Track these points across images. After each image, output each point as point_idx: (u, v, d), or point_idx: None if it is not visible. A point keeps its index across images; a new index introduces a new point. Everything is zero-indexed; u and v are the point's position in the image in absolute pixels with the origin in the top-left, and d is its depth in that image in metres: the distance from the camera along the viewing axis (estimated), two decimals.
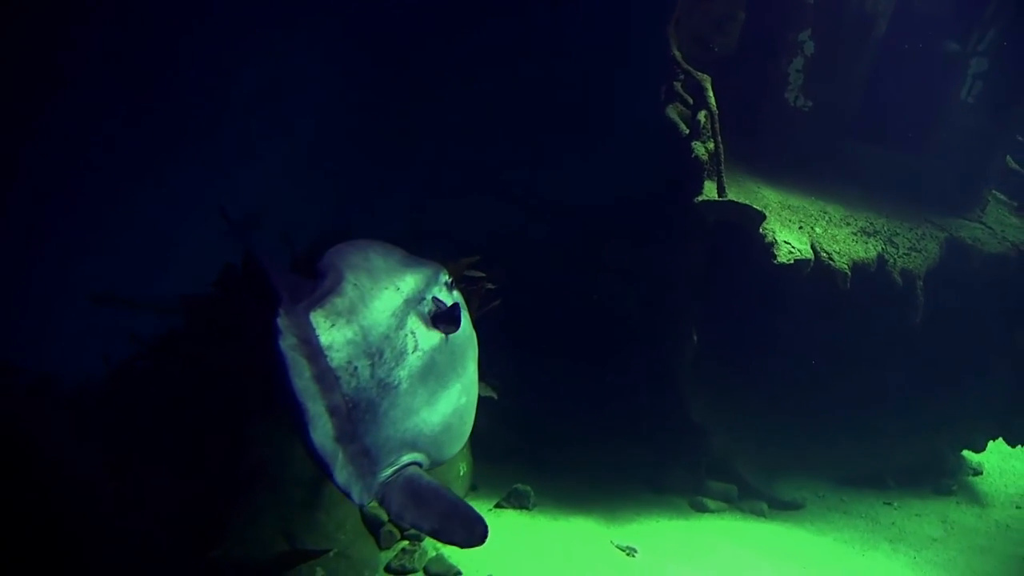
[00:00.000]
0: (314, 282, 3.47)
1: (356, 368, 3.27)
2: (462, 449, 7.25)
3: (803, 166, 8.39)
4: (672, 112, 7.34)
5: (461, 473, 7.14)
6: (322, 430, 3.08)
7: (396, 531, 6.46)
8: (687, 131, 6.95)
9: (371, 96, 10.55)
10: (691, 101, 7.11)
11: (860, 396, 8.50)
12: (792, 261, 6.74)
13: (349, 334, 3.30)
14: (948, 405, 9.02)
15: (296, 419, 3.07)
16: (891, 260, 7.55)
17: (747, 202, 6.79)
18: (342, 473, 3.12)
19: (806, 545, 7.27)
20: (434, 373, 3.59)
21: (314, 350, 3.18)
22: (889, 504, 8.46)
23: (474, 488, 7.35)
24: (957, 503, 8.63)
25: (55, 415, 6.05)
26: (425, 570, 6.09)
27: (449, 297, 3.89)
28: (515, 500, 7.29)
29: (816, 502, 8.32)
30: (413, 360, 3.49)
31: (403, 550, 6.28)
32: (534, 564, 6.28)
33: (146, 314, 6.08)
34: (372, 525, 6.39)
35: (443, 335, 3.67)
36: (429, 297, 3.75)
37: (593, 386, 8.42)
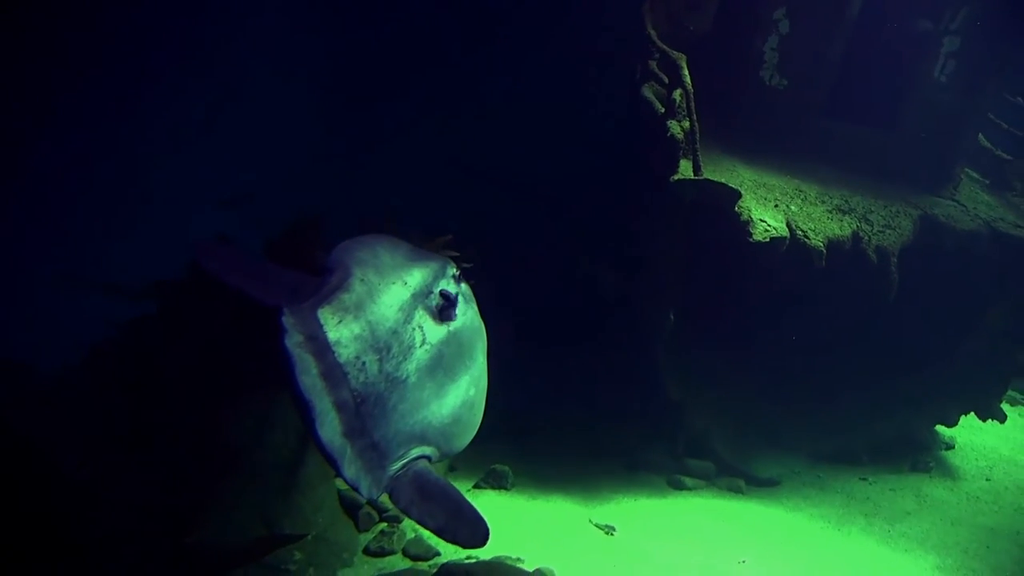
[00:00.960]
0: (320, 278, 3.49)
1: (364, 363, 3.29)
2: None
3: (779, 144, 8.40)
4: (648, 91, 7.32)
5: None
6: (329, 426, 3.09)
7: (375, 513, 6.46)
8: (663, 110, 6.94)
9: (343, 78, 10.45)
10: (666, 80, 7.09)
11: (836, 373, 8.57)
12: (768, 239, 6.76)
13: (357, 329, 3.32)
14: (921, 381, 9.13)
15: (304, 415, 3.08)
16: (866, 237, 7.59)
17: (723, 180, 6.79)
18: (350, 468, 3.14)
19: (783, 521, 7.34)
20: (442, 366, 3.61)
21: (321, 346, 3.19)
22: (864, 479, 8.56)
23: (452, 469, 7.35)
24: (930, 477, 8.76)
25: (30, 403, 5.99)
26: (404, 551, 6.10)
27: (457, 290, 3.91)
28: (494, 480, 7.30)
29: (792, 478, 8.40)
30: (421, 354, 3.52)
31: (382, 532, 6.28)
32: (513, 543, 6.30)
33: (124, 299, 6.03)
34: (350, 508, 6.38)
35: (451, 327, 3.71)
36: (436, 291, 3.77)
37: (571, 366, 8.43)
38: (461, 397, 3.66)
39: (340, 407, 3.15)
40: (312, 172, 11.80)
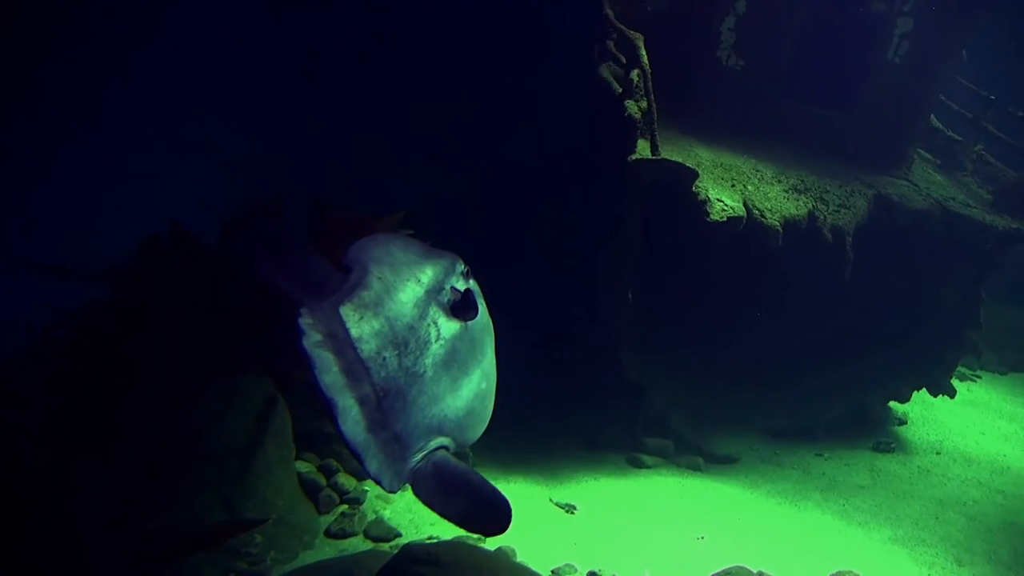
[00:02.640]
0: (340, 275, 3.56)
1: (385, 358, 3.36)
2: None
3: (736, 125, 8.48)
4: (605, 71, 7.31)
5: None
6: (352, 421, 3.16)
7: (335, 495, 6.44)
8: (620, 90, 6.94)
9: (301, 56, 10.30)
10: (624, 60, 7.08)
11: (792, 351, 8.69)
12: (725, 219, 6.81)
13: (376, 325, 3.39)
14: (875, 358, 9.31)
15: (328, 412, 3.14)
16: (821, 217, 7.69)
17: (680, 160, 6.83)
18: (374, 462, 3.19)
19: (741, 497, 7.46)
20: (456, 360, 3.69)
21: (342, 343, 3.25)
22: (820, 455, 8.73)
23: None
24: (884, 452, 8.95)
25: None
26: (365, 533, 6.09)
27: (466, 286, 3.98)
28: None
29: (750, 455, 8.53)
30: (436, 349, 3.59)
31: (343, 514, 6.26)
32: None
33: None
34: (311, 490, 6.35)
35: (463, 323, 3.78)
36: (448, 287, 3.84)
37: (529, 347, 8.44)
38: (474, 390, 3.75)
39: (362, 402, 3.22)
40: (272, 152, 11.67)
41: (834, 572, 5.32)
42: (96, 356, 5.76)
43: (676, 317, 7.92)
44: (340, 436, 3.11)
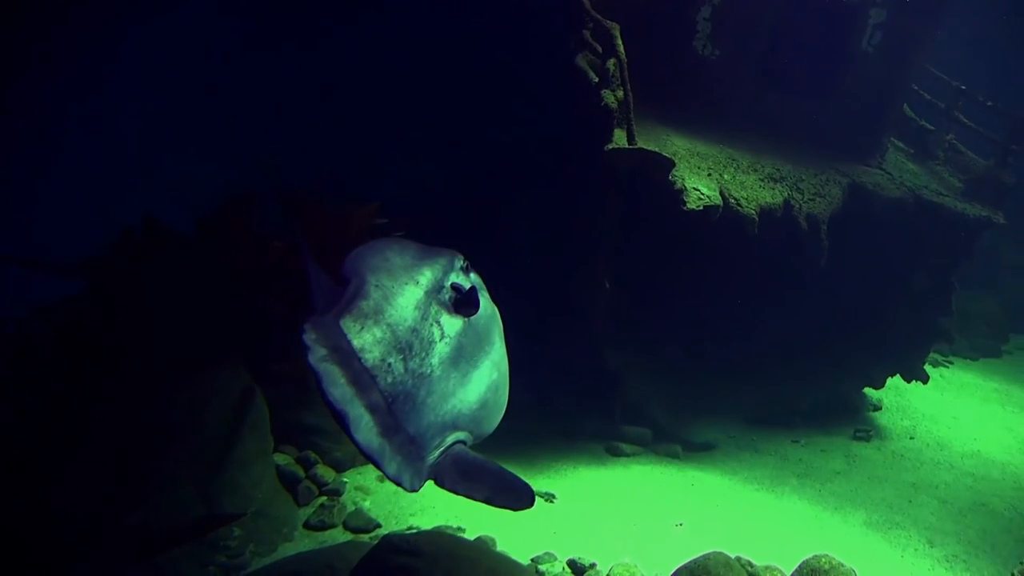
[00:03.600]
0: (342, 288, 3.64)
1: (390, 364, 3.44)
2: None
3: (712, 114, 8.50)
4: (582, 61, 7.30)
5: None
6: (364, 429, 3.22)
7: (314, 487, 6.43)
8: (596, 79, 6.94)
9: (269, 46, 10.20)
10: (600, 50, 7.08)
11: (768, 339, 8.76)
12: (702, 207, 6.84)
13: (379, 333, 3.47)
14: (850, 346, 9.41)
15: (340, 423, 3.21)
16: (797, 205, 7.75)
17: (657, 149, 6.85)
18: (391, 465, 3.25)
19: (719, 484, 7.52)
20: (464, 355, 3.75)
21: (346, 355, 3.32)
22: (797, 442, 8.82)
23: None
24: (862, 441, 9.06)
25: None
26: (345, 524, 6.08)
27: (467, 281, 4.04)
28: None
29: (728, 442, 8.61)
30: (442, 347, 3.66)
31: (321, 505, 6.26)
32: (454, 513, 6.34)
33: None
34: (289, 482, 6.33)
35: (466, 319, 3.85)
36: (448, 284, 3.91)
37: (509, 336, 8.45)
38: (485, 382, 3.81)
39: (373, 409, 3.28)
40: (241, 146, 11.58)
41: (810, 556, 5.38)
42: (71, 349, 5.71)
43: (654, 307, 7.96)
44: (355, 445, 3.18)
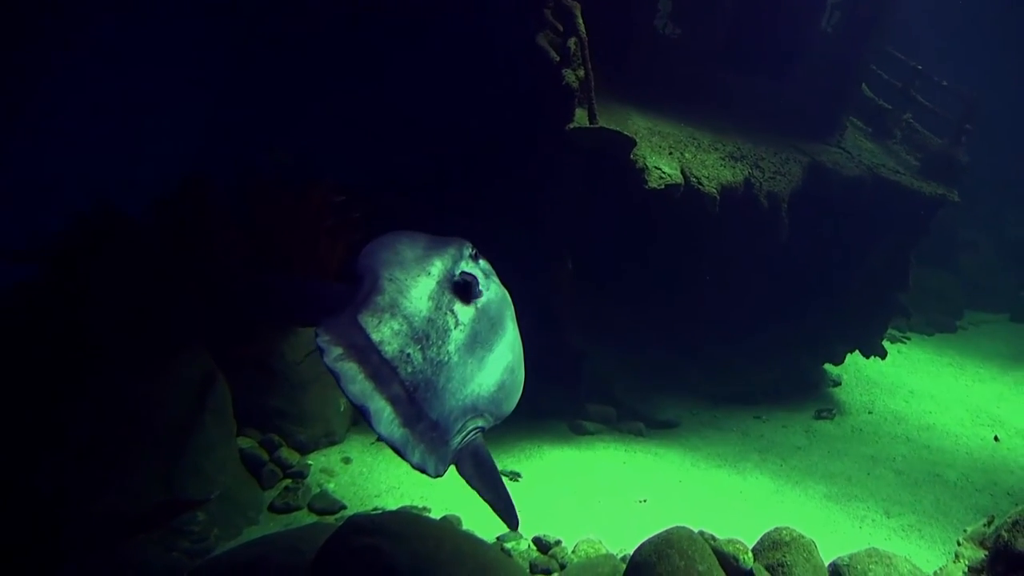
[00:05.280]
0: (354, 286, 3.77)
1: (408, 355, 3.55)
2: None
3: (673, 93, 8.52)
4: (542, 39, 7.27)
5: (342, 408, 7.09)
6: (387, 421, 3.32)
7: (278, 470, 6.40)
8: (557, 58, 6.91)
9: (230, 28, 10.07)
10: (561, 28, 7.05)
11: (729, 317, 8.85)
12: (663, 186, 6.88)
13: (396, 326, 3.59)
14: (810, 322, 9.55)
15: (363, 417, 3.32)
16: (757, 184, 7.81)
17: (618, 129, 6.86)
18: (415, 453, 3.36)
19: (682, 460, 7.61)
20: (479, 341, 3.88)
21: (364, 350, 3.44)
22: (759, 418, 8.96)
23: (356, 423, 7.33)
24: (824, 420, 9.21)
25: None
26: (310, 506, 6.07)
27: (476, 268, 4.16)
28: None
29: (691, 419, 8.72)
30: (457, 335, 3.79)
31: (286, 488, 6.23)
32: (420, 494, 6.35)
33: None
34: (254, 466, 6.30)
35: (477, 305, 3.97)
36: (458, 273, 4.03)
37: None
38: (501, 364, 3.94)
39: (394, 401, 3.39)
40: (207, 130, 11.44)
41: (771, 529, 5.47)
42: (28, 336, 5.62)
43: (615, 283, 7.99)
44: (379, 437, 3.29)
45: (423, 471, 3.39)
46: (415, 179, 7.84)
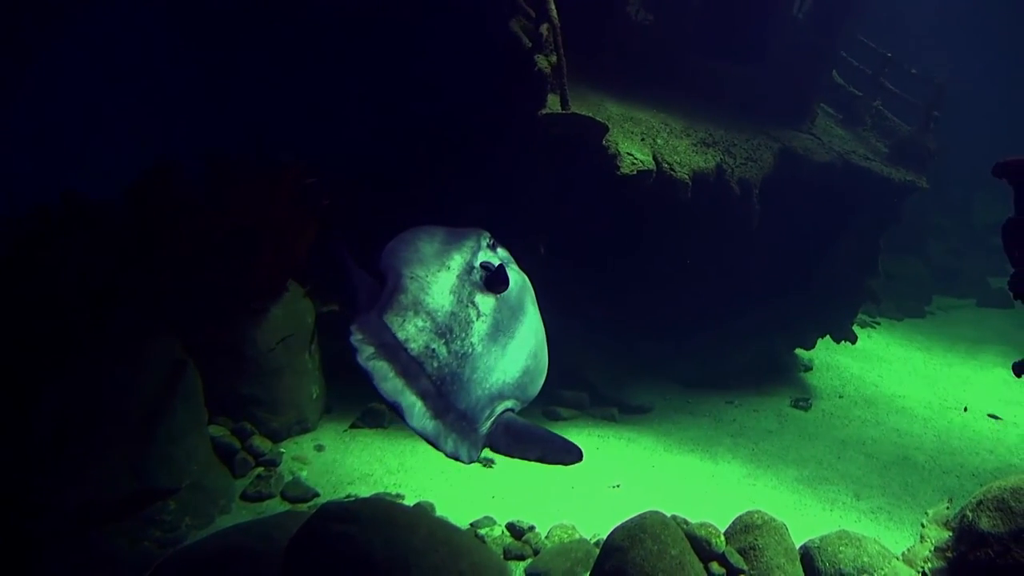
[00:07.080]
0: (380, 285, 3.86)
1: (434, 350, 3.66)
2: (313, 372, 7.17)
3: (645, 80, 8.53)
4: (515, 25, 7.24)
5: (314, 396, 7.05)
6: (419, 415, 3.41)
7: (251, 458, 6.36)
8: (530, 44, 6.89)
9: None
10: (533, 14, 7.03)
11: (701, 302, 8.88)
12: (635, 172, 6.88)
13: (420, 323, 3.70)
14: (781, 307, 9.62)
15: (396, 413, 3.40)
16: (729, 170, 7.85)
17: (591, 115, 6.85)
18: (448, 443, 3.44)
19: (654, 445, 7.65)
20: (501, 329, 3.97)
21: (392, 349, 3.55)
22: (731, 403, 9.02)
23: (328, 410, 7.30)
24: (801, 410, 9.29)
25: None
26: (282, 494, 6.04)
27: (495, 257, 4.28)
28: (371, 419, 7.29)
29: (664, 405, 8.77)
30: (479, 326, 3.88)
31: (258, 476, 6.19)
32: (393, 481, 6.34)
33: None
34: (225, 454, 6.25)
35: (497, 295, 4.05)
36: (477, 265, 4.15)
37: None
38: (525, 350, 4.03)
39: (424, 395, 3.49)
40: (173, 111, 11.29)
41: (743, 512, 5.52)
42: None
43: (587, 268, 8.00)
44: (412, 431, 3.39)
45: (456, 459, 3.46)
46: (386, 168, 7.79)
